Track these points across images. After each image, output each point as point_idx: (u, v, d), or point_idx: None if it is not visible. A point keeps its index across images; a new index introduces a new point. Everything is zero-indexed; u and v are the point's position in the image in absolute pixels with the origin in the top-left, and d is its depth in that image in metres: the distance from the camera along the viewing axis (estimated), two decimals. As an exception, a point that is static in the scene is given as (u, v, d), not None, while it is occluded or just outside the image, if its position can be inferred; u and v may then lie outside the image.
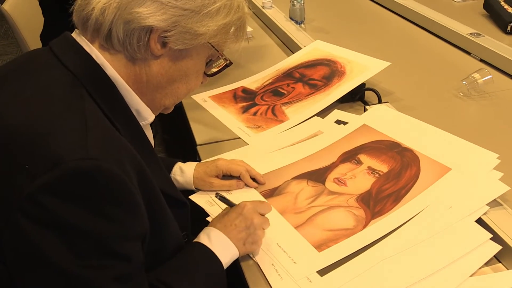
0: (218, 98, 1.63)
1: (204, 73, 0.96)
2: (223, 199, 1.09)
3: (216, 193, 1.11)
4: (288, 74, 1.70)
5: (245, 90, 1.67)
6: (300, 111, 1.50)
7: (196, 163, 1.24)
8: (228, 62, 0.96)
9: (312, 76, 1.64)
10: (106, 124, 0.80)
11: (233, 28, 0.91)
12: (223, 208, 1.12)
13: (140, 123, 0.91)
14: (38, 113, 0.77)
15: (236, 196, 1.18)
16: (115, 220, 0.74)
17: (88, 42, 0.86)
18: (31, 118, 0.76)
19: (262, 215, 1.03)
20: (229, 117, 1.52)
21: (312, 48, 1.81)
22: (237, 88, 1.69)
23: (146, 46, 0.84)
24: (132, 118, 0.89)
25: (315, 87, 1.59)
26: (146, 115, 0.92)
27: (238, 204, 1.03)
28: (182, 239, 0.98)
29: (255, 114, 1.52)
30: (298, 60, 1.77)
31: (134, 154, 0.80)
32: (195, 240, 0.98)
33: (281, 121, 1.47)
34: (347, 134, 1.35)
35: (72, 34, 0.89)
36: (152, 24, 0.82)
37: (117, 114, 0.84)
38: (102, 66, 0.85)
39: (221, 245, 0.96)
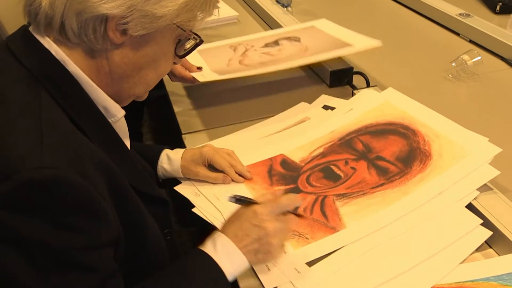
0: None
1: (176, 54, 0.89)
2: (240, 201, 0.93)
3: (231, 196, 0.93)
4: (346, 142, 1.23)
5: (285, 162, 1.21)
6: (361, 216, 1.02)
7: (184, 150, 1.19)
8: (198, 40, 0.89)
9: (381, 153, 1.17)
10: (65, 126, 0.74)
11: (197, 4, 0.83)
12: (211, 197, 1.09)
13: (109, 120, 0.86)
14: None
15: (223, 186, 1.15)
16: (78, 230, 0.69)
17: (46, 37, 0.79)
18: None
19: (285, 213, 0.92)
20: None
21: (384, 101, 1.33)
22: (274, 157, 1.23)
23: (103, 36, 0.78)
24: (99, 115, 0.83)
25: (385, 175, 1.12)
26: (114, 112, 0.86)
27: (253, 209, 0.90)
28: (163, 239, 0.93)
29: (296, 209, 0.99)
30: (362, 118, 1.28)
31: (100, 157, 0.75)
32: (200, 247, 0.89)
33: (334, 230, 1.01)
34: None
35: (29, 28, 0.81)
36: (106, 12, 0.76)
37: (81, 113, 0.79)
38: (63, 62, 0.79)
39: (227, 254, 0.87)
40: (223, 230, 0.91)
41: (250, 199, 0.95)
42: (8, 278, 0.67)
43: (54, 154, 0.68)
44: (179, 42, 0.87)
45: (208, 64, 1.52)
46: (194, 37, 0.88)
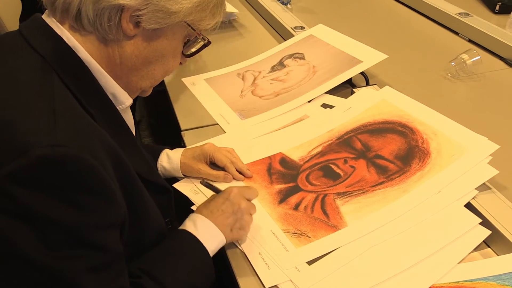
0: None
1: (182, 53, 0.92)
2: (208, 186, 1.06)
3: (202, 180, 1.07)
4: (345, 141, 1.23)
5: (284, 161, 1.21)
6: (362, 215, 1.03)
7: (183, 148, 1.20)
8: (206, 41, 0.92)
9: (380, 152, 1.17)
10: (77, 109, 0.77)
11: (210, 5, 0.87)
12: (209, 196, 1.10)
13: (117, 107, 0.88)
14: (4, 99, 0.74)
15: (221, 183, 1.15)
16: (87, 209, 0.71)
17: (59, 24, 0.82)
18: None
19: (249, 200, 1.01)
20: (262, 214, 1.06)
21: (380, 99, 1.32)
22: (273, 156, 1.24)
23: (117, 26, 0.81)
24: (108, 102, 0.86)
25: (384, 173, 1.12)
26: (123, 99, 0.89)
27: (225, 190, 1.00)
28: (165, 227, 0.96)
29: (296, 208, 1.09)
30: (359, 117, 1.28)
31: (108, 140, 0.77)
32: (181, 227, 0.95)
33: (335, 228, 1.02)
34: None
35: (42, 16, 0.85)
36: (122, 2, 0.79)
37: (90, 98, 0.81)
38: (74, 49, 0.82)
39: (207, 232, 0.94)
40: (198, 211, 0.97)
41: (218, 188, 1.03)
42: (17, 251, 0.68)
43: (67, 133, 0.70)
44: (188, 42, 0.91)
45: (220, 95, 1.49)
46: (202, 38, 0.91)
